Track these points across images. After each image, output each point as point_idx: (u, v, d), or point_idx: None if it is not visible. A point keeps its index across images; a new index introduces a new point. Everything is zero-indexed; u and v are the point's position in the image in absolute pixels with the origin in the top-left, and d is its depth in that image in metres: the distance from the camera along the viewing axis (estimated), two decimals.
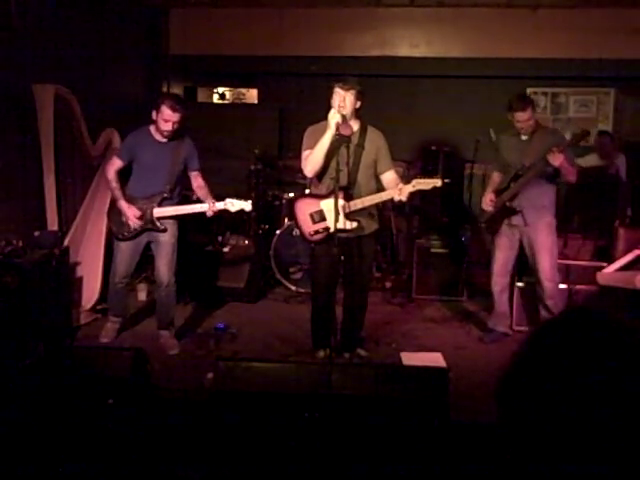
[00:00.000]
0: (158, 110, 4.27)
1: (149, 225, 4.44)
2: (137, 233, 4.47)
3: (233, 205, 4.39)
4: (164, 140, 4.40)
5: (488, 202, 4.63)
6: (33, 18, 5.03)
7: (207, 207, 4.37)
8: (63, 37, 5.39)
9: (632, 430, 0.99)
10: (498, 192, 4.62)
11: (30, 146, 4.90)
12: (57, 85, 4.86)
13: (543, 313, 4.62)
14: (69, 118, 5.04)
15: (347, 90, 3.93)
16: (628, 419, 0.99)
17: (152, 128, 4.41)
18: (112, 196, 4.57)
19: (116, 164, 4.49)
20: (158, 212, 4.43)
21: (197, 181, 4.60)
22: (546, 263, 4.51)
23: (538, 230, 4.49)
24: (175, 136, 4.39)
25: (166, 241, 4.49)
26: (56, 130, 4.89)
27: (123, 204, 4.41)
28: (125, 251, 4.54)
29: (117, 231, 4.50)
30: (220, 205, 4.38)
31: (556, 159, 4.19)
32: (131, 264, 4.61)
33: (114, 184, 4.47)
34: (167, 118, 4.26)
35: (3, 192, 4.79)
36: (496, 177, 4.76)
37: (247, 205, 4.42)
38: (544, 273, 4.52)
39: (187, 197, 4.89)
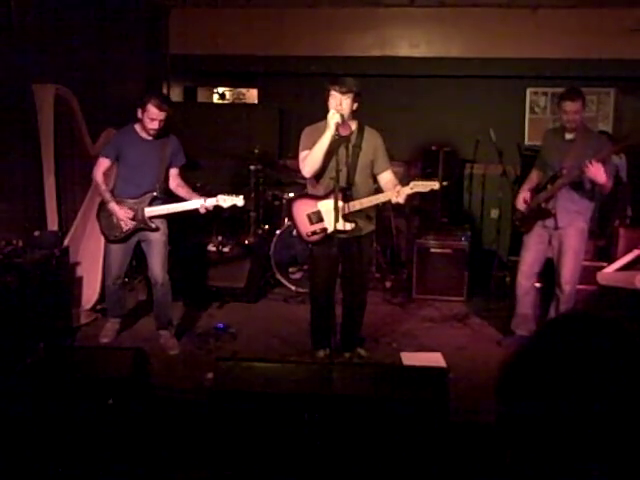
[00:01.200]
0: (144, 109, 4.25)
1: (142, 225, 4.43)
2: (129, 234, 4.46)
3: (225, 201, 4.35)
4: (150, 138, 4.39)
5: (522, 201, 4.56)
6: (33, 18, 5.03)
7: (199, 204, 4.33)
8: (63, 37, 5.38)
9: (631, 429, 1.00)
10: (535, 191, 4.54)
11: (30, 146, 4.90)
12: (57, 85, 4.86)
13: (553, 314, 4.55)
14: (69, 118, 5.04)
15: (344, 93, 3.92)
16: (627, 419, 0.99)
17: (137, 127, 4.40)
18: (102, 198, 4.52)
19: (103, 165, 4.46)
20: (150, 212, 4.41)
21: (177, 180, 4.54)
22: (569, 267, 4.43)
23: (568, 234, 4.41)
24: (161, 134, 4.38)
25: (157, 239, 4.48)
26: (56, 130, 4.89)
27: (114, 206, 4.39)
28: (117, 252, 4.53)
29: (108, 233, 4.48)
30: (212, 201, 4.33)
31: (589, 170, 4.05)
32: (123, 265, 4.61)
33: (103, 186, 4.46)
34: (154, 117, 4.25)
35: (3, 192, 4.79)
36: (534, 175, 4.65)
37: (239, 200, 4.38)
38: (565, 277, 4.44)
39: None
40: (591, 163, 4.04)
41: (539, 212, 4.47)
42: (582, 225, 4.45)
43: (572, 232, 4.42)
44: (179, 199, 4.51)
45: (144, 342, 4.45)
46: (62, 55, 5.31)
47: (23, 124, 4.90)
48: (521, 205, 4.58)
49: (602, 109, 7.40)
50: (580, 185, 4.35)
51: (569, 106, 4.29)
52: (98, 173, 4.46)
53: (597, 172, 4.05)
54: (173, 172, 4.55)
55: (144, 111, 4.26)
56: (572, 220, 4.41)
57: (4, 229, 4.58)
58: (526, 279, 4.63)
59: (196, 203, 4.35)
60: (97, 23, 6.00)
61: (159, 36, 7.40)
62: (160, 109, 4.25)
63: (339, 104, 3.90)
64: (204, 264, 5.81)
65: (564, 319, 1.12)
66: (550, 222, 4.45)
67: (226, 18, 7.31)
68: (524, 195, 4.59)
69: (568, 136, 4.41)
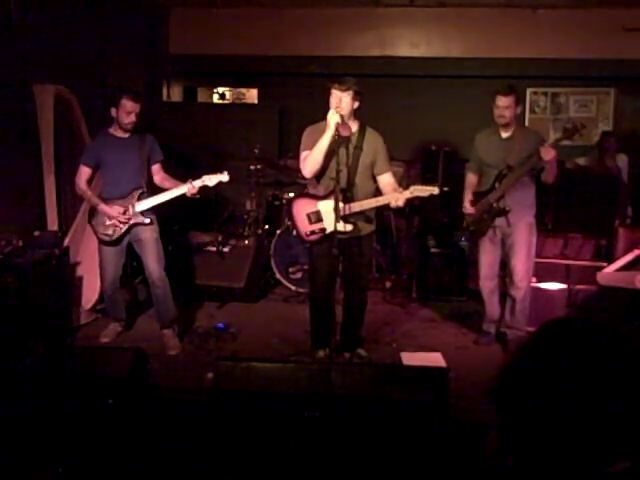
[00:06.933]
0: (118, 105, 4.32)
1: (134, 221, 4.44)
2: (123, 234, 4.47)
3: (210, 179, 4.40)
4: (126, 135, 4.44)
5: (468, 205, 4.56)
6: (33, 18, 5.03)
7: (186, 188, 4.36)
8: (63, 37, 5.39)
9: (627, 428, 1.00)
10: (477, 194, 4.56)
11: (30, 146, 4.90)
12: (57, 85, 4.86)
13: (508, 316, 4.61)
14: (69, 118, 5.05)
15: (344, 91, 3.92)
16: (625, 421, 0.99)
17: (111, 129, 4.47)
18: (91, 205, 4.54)
19: (84, 173, 4.48)
20: (140, 206, 4.44)
21: (160, 174, 4.58)
22: (522, 264, 4.47)
23: (519, 230, 4.44)
24: (135, 130, 4.44)
25: (148, 237, 4.49)
26: (56, 130, 4.89)
27: (104, 207, 4.42)
28: (111, 256, 4.54)
29: (104, 234, 4.48)
30: (198, 183, 4.37)
31: (549, 153, 4.13)
32: (118, 268, 4.62)
33: (88, 193, 4.50)
34: (130, 110, 4.32)
35: (3, 192, 4.79)
36: (473, 178, 4.68)
37: (224, 176, 4.41)
38: (520, 273, 4.48)
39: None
40: (547, 146, 4.13)
41: (494, 212, 4.47)
42: (531, 220, 4.50)
43: (522, 227, 4.46)
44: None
45: (144, 342, 4.45)
46: (62, 55, 5.32)
47: (23, 124, 4.90)
48: (468, 208, 4.57)
49: (602, 109, 7.41)
50: (526, 179, 4.40)
51: (501, 100, 4.32)
52: (81, 181, 4.48)
53: (554, 156, 4.15)
54: (155, 168, 4.59)
55: (119, 107, 4.33)
56: (523, 215, 4.45)
57: (4, 229, 4.58)
58: (489, 280, 4.68)
59: (183, 188, 4.38)
60: (97, 23, 6.01)
61: (159, 36, 7.40)
62: (135, 101, 4.34)
63: (339, 102, 3.91)
64: (204, 264, 5.81)
65: (556, 324, 1.12)
66: (500, 221, 4.47)
67: (226, 18, 7.31)
68: (469, 198, 4.58)
69: (504, 135, 4.44)
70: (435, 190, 3.93)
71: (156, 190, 4.56)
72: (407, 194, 3.92)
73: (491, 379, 1.12)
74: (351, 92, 3.94)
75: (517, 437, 1.07)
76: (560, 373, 1.02)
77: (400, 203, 3.94)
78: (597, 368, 1.01)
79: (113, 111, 4.36)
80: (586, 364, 1.01)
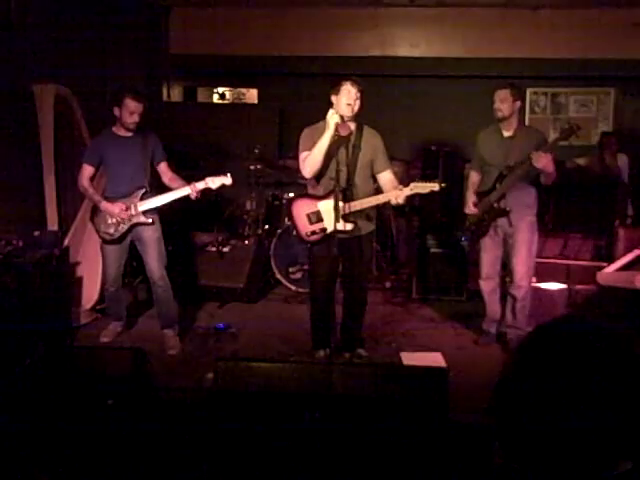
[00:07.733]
0: (121, 105, 4.32)
1: (136, 220, 4.44)
2: (124, 232, 4.47)
3: (213, 182, 4.39)
4: (129, 134, 4.44)
5: (472, 206, 4.56)
6: (33, 18, 5.04)
7: (189, 190, 4.36)
8: (63, 37, 5.39)
9: (630, 430, 0.99)
10: (479, 194, 4.56)
11: (30, 146, 4.91)
12: (57, 85, 4.86)
13: (509, 315, 4.60)
14: (69, 118, 5.05)
15: (360, 90, 3.95)
16: (623, 424, 0.99)
17: (114, 128, 4.47)
18: (93, 203, 4.54)
19: (87, 171, 4.48)
20: (143, 206, 4.44)
21: (168, 174, 4.57)
22: (523, 264, 4.46)
23: (521, 229, 4.44)
24: (138, 129, 4.45)
25: (150, 236, 4.50)
26: (56, 130, 4.89)
27: (106, 205, 4.41)
28: (113, 254, 4.54)
29: (105, 233, 4.48)
30: (201, 185, 4.37)
31: (540, 160, 4.09)
32: (120, 267, 4.62)
33: (90, 191, 4.49)
34: (133, 110, 4.33)
35: (3, 192, 4.79)
36: (475, 177, 4.68)
37: (227, 179, 4.42)
38: (520, 272, 4.47)
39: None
40: (539, 152, 4.11)
41: (493, 213, 4.46)
42: (532, 219, 4.49)
43: (524, 227, 4.45)
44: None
45: (144, 342, 4.44)
46: (62, 55, 5.32)
47: (23, 124, 4.90)
48: (472, 210, 4.57)
49: (602, 109, 7.42)
50: (526, 179, 4.38)
51: (497, 94, 4.35)
52: (83, 180, 4.48)
53: (547, 162, 4.11)
54: (162, 168, 4.58)
55: (122, 107, 4.33)
56: (523, 215, 4.44)
57: (4, 229, 4.58)
58: (490, 279, 4.68)
59: (186, 189, 4.39)
60: (97, 23, 6.01)
61: (159, 36, 7.40)
62: (138, 101, 4.34)
63: (354, 98, 3.92)
64: (204, 264, 5.81)
65: (548, 327, 1.11)
66: (502, 220, 4.46)
67: (226, 18, 7.31)
68: (473, 199, 4.58)
69: (506, 133, 4.43)
70: (435, 186, 3.93)
71: (161, 190, 4.56)
72: (407, 191, 3.92)
73: (495, 374, 1.11)
74: (362, 91, 3.97)
75: (519, 447, 1.06)
76: (556, 379, 1.02)
77: (400, 200, 3.94)
78: (592, 371, 1.00)
79: (116, 110, 4.36)
80: (581, 368, 1.01)
